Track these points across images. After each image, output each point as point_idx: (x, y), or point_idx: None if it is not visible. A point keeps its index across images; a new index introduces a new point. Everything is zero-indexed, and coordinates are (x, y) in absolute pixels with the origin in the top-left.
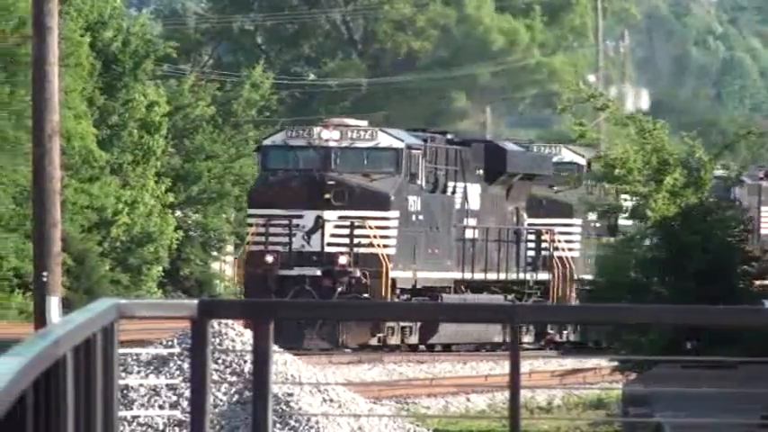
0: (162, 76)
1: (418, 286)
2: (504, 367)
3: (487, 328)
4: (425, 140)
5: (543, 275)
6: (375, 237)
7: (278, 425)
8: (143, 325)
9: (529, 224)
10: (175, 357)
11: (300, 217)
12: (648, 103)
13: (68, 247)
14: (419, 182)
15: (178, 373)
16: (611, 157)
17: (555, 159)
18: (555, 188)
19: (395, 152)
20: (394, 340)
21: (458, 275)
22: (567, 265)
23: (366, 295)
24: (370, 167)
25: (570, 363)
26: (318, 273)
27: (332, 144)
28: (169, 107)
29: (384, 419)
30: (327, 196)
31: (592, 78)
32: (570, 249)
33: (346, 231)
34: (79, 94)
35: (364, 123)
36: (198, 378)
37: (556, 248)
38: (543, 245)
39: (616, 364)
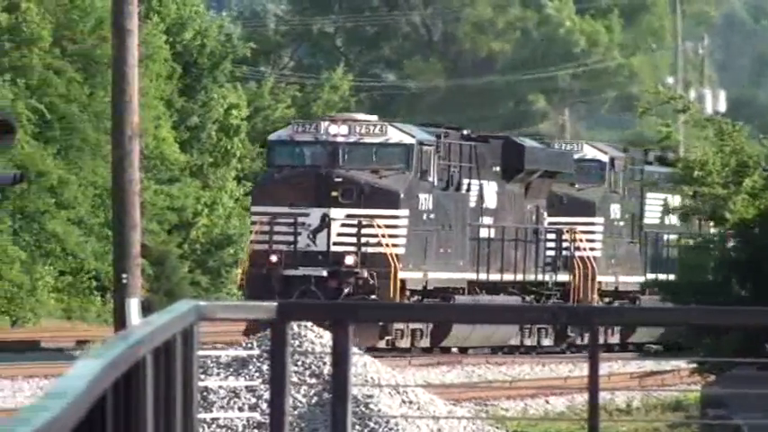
0: (242, 78)
1: (429, 287)
2: (582, 369)
3: (499, 329)
4: (438, 136)
5: (563, 276)
6: (384, 236)
7: (357, 427)
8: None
9: (549, 223)
10: (255, 359)
11: (306, 215)
12: (726, 106)
13: (148, 249)
14: (431, 179)
15: (258, 374)
16: (690, 160)
17: (577, 156)
18: (577, 186)
19: (405, 148)
20: (404, 343)
21: (472, 276)
22: (589, 266)
23: (374, 297)
24: (380, 164)
25: (649, 365)
26: (324, 273)
27: (339, 139)
28: (249, 109)
29: (463, 421)
30: (334, 194)
31: (670, 80)
32: (592, 249)
33: (354, 230)
34: (158, 96)
35: (374, 118)
36: (277, 380)
37: (577, 248)
38: (564, 244)
39: (695, 365)
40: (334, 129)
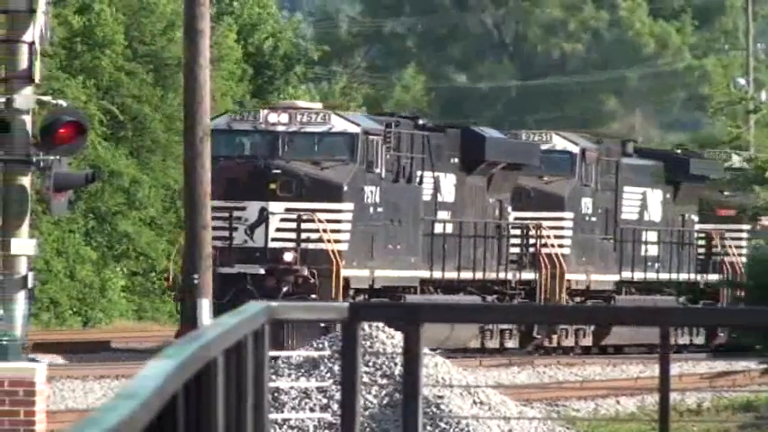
0: (314, 78)
1: (376, 286)
2: (653, 370)
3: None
4: (388, 125)
5: (528, 275)
6: (325, 231)
7: (428, 427)
8: None
9: (515, 218)
10: (326, 360)
11: (243, 209)
12: None
13: None
14: (378, 170)
15: (329, 375)
16: (762, 160)
17: (545, 147)
18: (545, 179)
19: (349, 137)
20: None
21: (424, 274)
22: (557, 263)
23: (314, 296)
24: (322, 155)
25: (720, 365)
26: (261, 271)
27: (280, 128)
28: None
29: (534, 422)
30: (273, 186)
31: (741, 81)
32: (561, 246)
33: (293, 225)
34: (230, 97)
35: (317, 105)
36: (348, 380)
37: (544, 245)
38: (530, 241)
39: (766, 366)
40: (273, 117)
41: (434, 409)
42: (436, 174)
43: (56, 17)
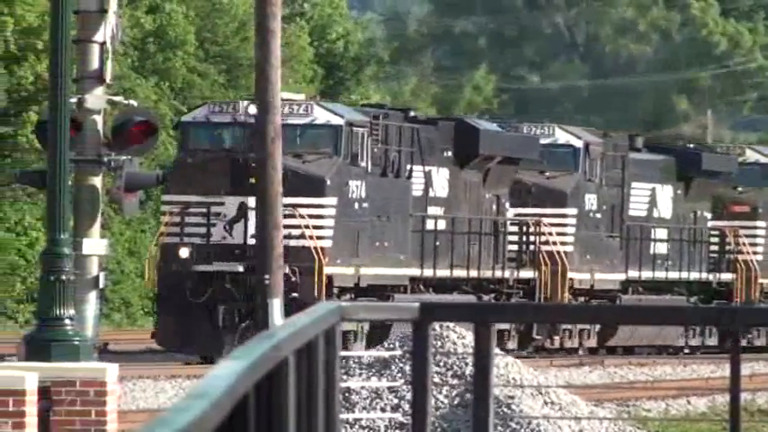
0: (384, 77)
1: (362, 284)
2: (724, 370)
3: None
4: (376, 117)
5: (527, 273)
6: (307, 227)
7: (499, 428)
8: None
9: (515, 214)
10: (397, 360)
11: (221, 204)
12: None
13: None
14: (363, 164)
15: (400, 375)
16: None
17: (547, 141)
18: (547, 174)
19: (332, 130)
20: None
21: (415, 272)
22: (559, 261)
23: (295, 294)
24: (304, 147)
25: None
26: (240, 269)
27: None
28: None
29: (604, 422)
30: (253, 180)
31: None
32: (563, 243)
33: None
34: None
35: (300, 96)
36: (419, 380)
37: (545, 242)
38: (531, 238)
39: None
40: (253, 108)
41: (505, 409)
42: (427, 168)
43: (128, 18)
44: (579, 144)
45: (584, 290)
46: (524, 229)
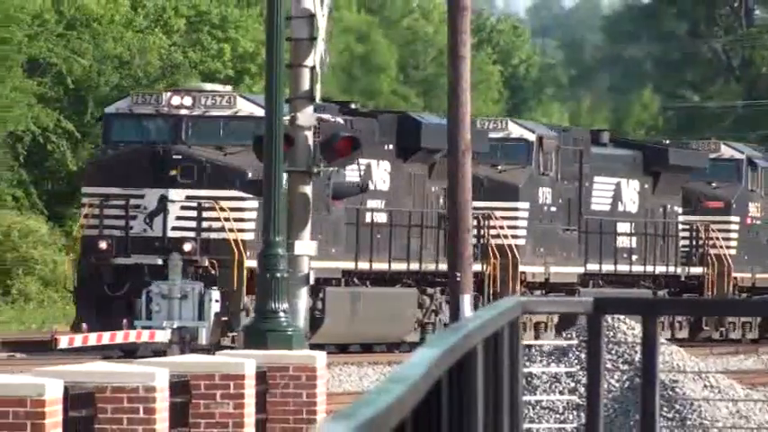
0: (561, 98)
1: None
2: None
3: None
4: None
5: (476, 266)
6: (227, 220)
7: (664, 408)
8: None
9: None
10: (574, 348)
11: (141, 197)
12: None
13: None
14: None
15: (576, 362)
16: None
17: (500, 135)
18: (499, 167)
19: (256, 122)
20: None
21: (348, 265)
22: (509, 255)
23: (215, 288)
24: (227, 140)
25: None
26: (159, 261)
27: (183, 112)
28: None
29: (758, 404)
30: (173, 173)
31: None
32: (515, 236)
33: (194, 213)
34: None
35: (226, 88)
36: (593, 366)
37: (496, 235)
38: (481, 231)
39: None
40: (176, 100)
41: (670, 392)
42: (366, 160)
43: (337, 45)
44: (532, 138)
45: (538, 283)
46: (477, 222)
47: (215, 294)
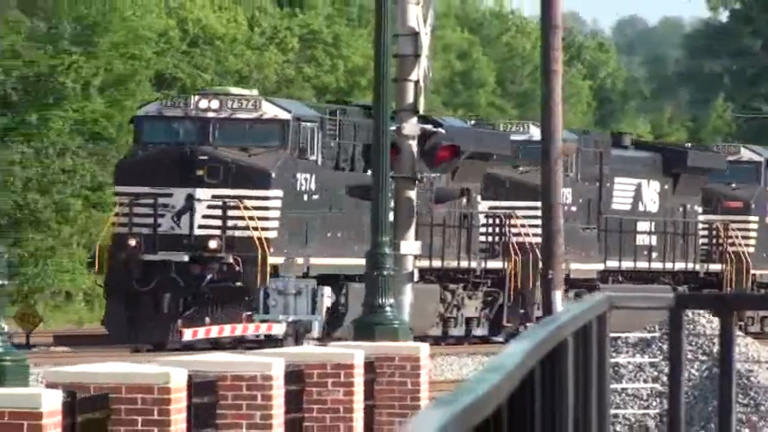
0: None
1: (312, 274)
2: None
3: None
4: (333, 113)
5: (497, 263)
6: (251, 218)
7: (740, 396)
8: None
9: (489, 207)
10: (657, 340)
11: (169, 195)
12: None
13: None
14: (313, 158)
15: (659, 353)
16: None
17: (522, 138)
18: (520, 169)
19: (280, 124)
20: None
21: None
22: (530, 252)
23: (239, 284)
24: (252, 141)
25: None
26: (186, 258)
27: (210, 115)
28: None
29: None
30: (200, 173)
31: None
32: (536, 235)
33: (219, 212)
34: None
35: (253, 92)
36: (675, 357)
37: (517, 234)
38: (502, 230)
39: None
40: (204, 103)
41: (746, 381)
42: None
43: (440, 61)
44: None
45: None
46: (500, 221)
47: (327, 291)
